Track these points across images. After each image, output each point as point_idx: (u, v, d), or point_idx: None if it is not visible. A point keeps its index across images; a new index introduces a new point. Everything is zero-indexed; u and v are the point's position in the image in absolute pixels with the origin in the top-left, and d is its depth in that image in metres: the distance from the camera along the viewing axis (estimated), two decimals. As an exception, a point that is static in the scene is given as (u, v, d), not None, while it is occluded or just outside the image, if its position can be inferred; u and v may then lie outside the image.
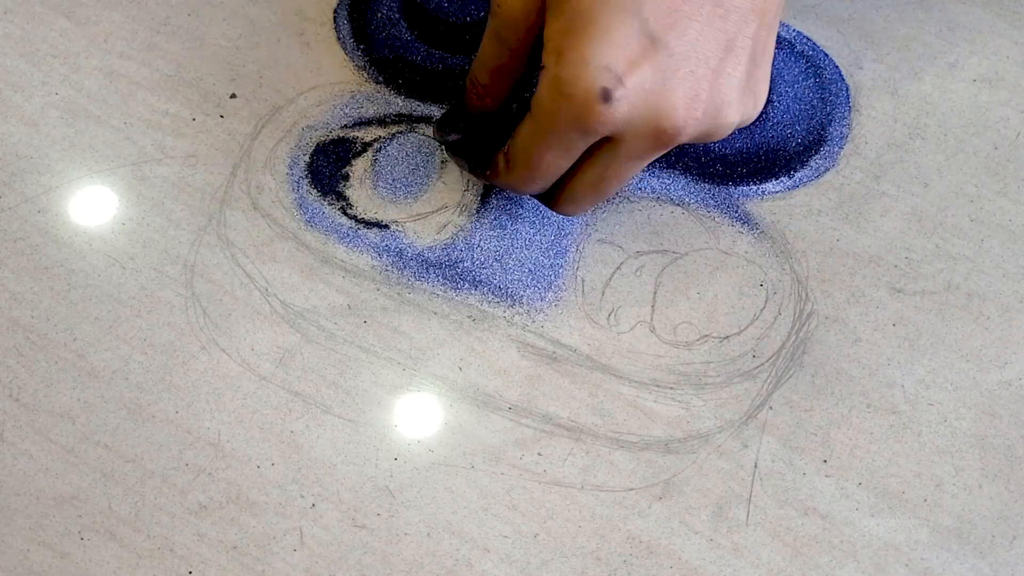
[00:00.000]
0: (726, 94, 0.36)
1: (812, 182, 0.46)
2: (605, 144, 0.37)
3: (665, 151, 0.37)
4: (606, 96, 0.34)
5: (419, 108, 0.46)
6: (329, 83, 0.47)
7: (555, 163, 0.38)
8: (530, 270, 0.43)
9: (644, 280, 0.43)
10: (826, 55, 0.48)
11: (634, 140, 0.36)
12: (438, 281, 0.43)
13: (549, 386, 0.41)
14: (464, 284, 0.43)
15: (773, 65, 0.48)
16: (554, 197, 0.41)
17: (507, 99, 0.40)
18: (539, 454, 0.40)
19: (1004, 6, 0.50)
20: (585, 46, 0.34)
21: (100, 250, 0.43)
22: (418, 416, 0.41)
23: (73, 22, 0.48)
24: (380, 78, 0.47)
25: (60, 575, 0.38)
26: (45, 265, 0.43)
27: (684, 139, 0.36)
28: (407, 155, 0.45)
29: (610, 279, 0.43)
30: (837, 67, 0.48)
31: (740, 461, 0.40)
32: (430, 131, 0.45)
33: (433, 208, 0.44)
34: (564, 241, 0.44)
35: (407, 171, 0.45)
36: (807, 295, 0.43)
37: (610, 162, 0.37)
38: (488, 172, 0.41)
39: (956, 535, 0.39)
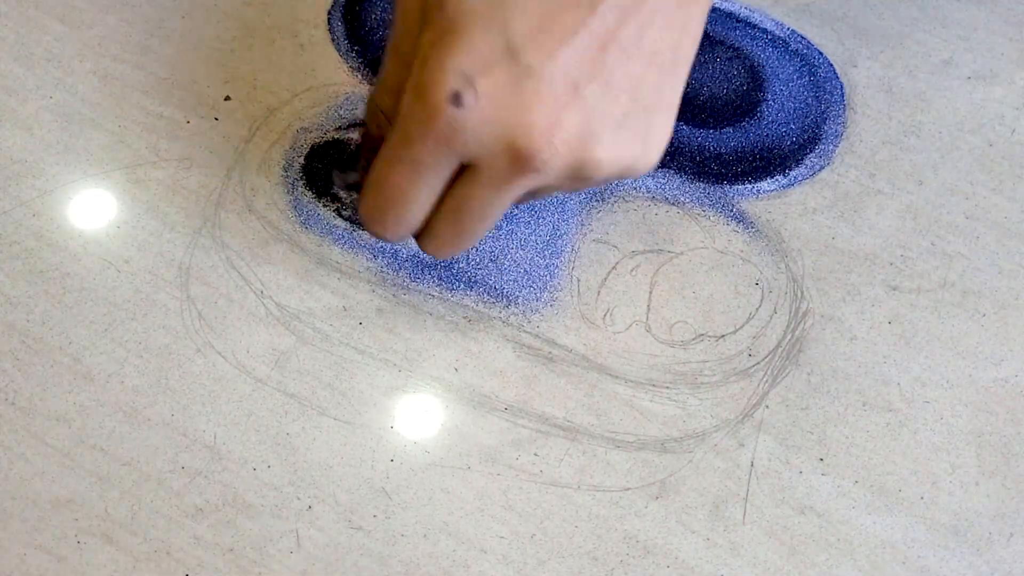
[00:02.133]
0: (595, 129, 0.34)
1: (807, 180, 0.46)
2: (463, 174, 0.35)
3: (525, 182, 0.35)
4: (456, 99, 0.33)
5: (413, 109, 0.46)
6: (323, 85, 0.47)
7: (405, 184, 0.35)
8: (525, 270, 0.43)
9: (640, 280, 0.43)
10: (820, 53, 0.48)
11: (489, 160, 0.34)
12: (433, 282, 0.43)
13: (545, 386, 0.41)
14: (459, 285, 0.43)
15: (768, 64, 0.48)
16: (419, 233, 0.38)
17: None
18: (535, 454, 0.40)
19: (998, 3, 0.50)
20: (445, 53, 0.33)
21: (95, 253, 0.43)
22: (414, 417, 0.41)
23: (67, 25, 0.48)
24: (374, 80, 0.47)
25: (57, 579, 0.38)
26: (40, 269, 0.43)
27: (544, 166, 0.34)
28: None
29: (605, 279, 0.43)
30: (831, 65, 0.48)
31: (736, 460, 0.40)
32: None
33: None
34: (559, 241, 0.44)
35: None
36: (803, 293, 0.43)
37: (468, 190, 0.35)
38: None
39: (953, 532, 0.39)
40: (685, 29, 0.35)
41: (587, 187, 0.37)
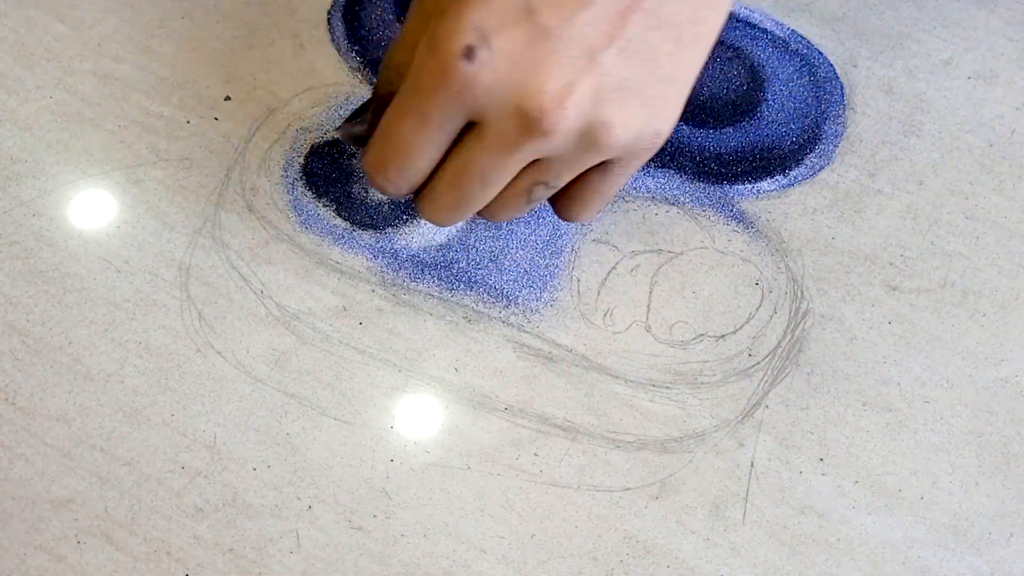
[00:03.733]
0: (609, 96, 0.34)
1: (807, 180, 0.46)
2: (469, 132, 0.35)
3: (532, 147, 0.34)
4: (469, 53, 0.32)
5: (413, 109, 0.46)
6: (323, 85, 0.47)
7: (411, 135, 0.35)
8: (525, 270, 0.43)
9: (639, 280, 0.43)
10: (820, 53, 0.48)
11: (496, 121, 0.34)
12: (433, 282, 0.43)
13: (545, 386, 0.41)
14: (459, 285, 0.43)
15: (768, 64, 0.48)
16: (418, 194, 0.38)
17: None
18: (535, 454, 0.40)
19: (998, 3, 0.50)
20: (464, 7, 0.33)
21: (95, 253, 0.43)
22: (414, 417, 0.41)
23: (67, 26, 0.48)
24: (374, 80, 0.47)
25: (57, 579, 0.38)
26: (40, 269, 0.43)
27: (552, 130, 0.33)
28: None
29: (605, 279, 0.43)
30: (831, 65, 0.48)
31: (736, 460, 0.40)
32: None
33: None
34: (559, 241, 0.44)
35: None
36: (803, 293, 0.43)
37: (473, 149, 0.35)
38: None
39: (953, 532, 0.39)
40: (709, 4, 0.35)
41: (597, 161, 0.36)
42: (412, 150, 0.35)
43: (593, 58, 0.33)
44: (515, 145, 0.34)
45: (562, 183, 0.37)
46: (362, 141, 0.39)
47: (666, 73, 0.35)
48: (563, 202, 0.39)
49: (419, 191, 0.38)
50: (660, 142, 0.36)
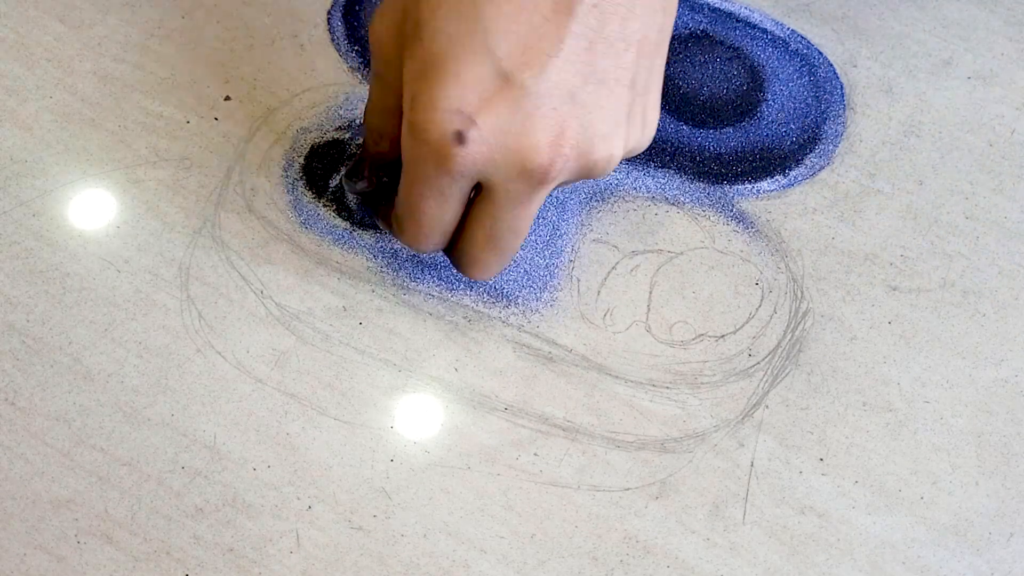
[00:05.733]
0: (599, 128, 0.35)
1: (807, 180, 0.46)
2: (482, 194, 0.36)
3: (545, 190, 0.36)
4: (460, 139, 0.33)
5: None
6: (323, 85, 0.47)
7: (436, 213, 0.37)
8: (525, 270, 0.43)
9: (639, 280, 0.43)
10: (820, 53, 0.48)
11: (505, 183, 0.35)
12: (433, 282, 0.43)
13: (545, 386, 0.41)
14: (459, 285, 0.43)
15: (768, 64, 0.48)
16: (456, 258, 0.40)
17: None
18: (535, 454, 0.40)
19: (998, 3, 0.50)
20: (436, 89, 0.33)
21: (95, 253, 0.43)
22: (414, 417, 0.41)
23: (67, 26, 0.48)
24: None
25: (57, 579, 0.38)
26: (40, 269, 0.43)
27: (559, 177, 0.35)
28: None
29: (605, 279, 0.43)
30: (831, 65, 0.48)
31: (736, 460, 0.40)
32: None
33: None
34: (559, 241, 0.44)
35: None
36: (802, 293, 0.43)
37: (493, 211, 0.36)
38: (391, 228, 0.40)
39: (953, 532, 0.39)
40: (666, 10, 0.36)
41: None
42: (438, 221, 0.37)
43: (575, 100, 0.34)
44: (529, 197, 0.36)
45: None
46: (366, 195, 0.41)
47: (645, 85, 0.36)
48: None
49: (452, 246, 0.40)
50: (647, 144, 0.38)
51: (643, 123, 0.37)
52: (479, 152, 0.34)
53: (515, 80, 0.33)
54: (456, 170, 0.34)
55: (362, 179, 0.41)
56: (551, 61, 0.33)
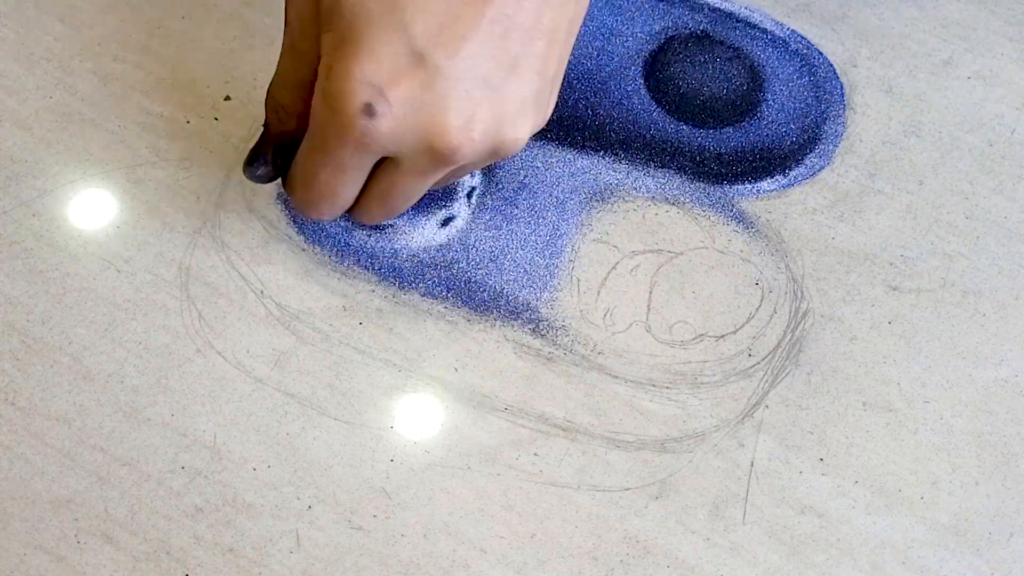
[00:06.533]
0: (509, 114, 0.35)
1: (807, 180, 0.46)
2: (387, 160, 0.37)
3: (448, 169, 0.36)
4: (369, 111, 0.34)
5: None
6: (323, 85, 0.47)
7: (332, 182, 0.37)
8: (525, 270, 0.43)
9: (639, 279, 0.43)
10: (820, 53, 0.48)
11: (410, 157, 0.36)
12: (433, 282, 0.43)
13: (545, 386, 0.41)
14: (460, 285, 0.43)
15: (768, 64, 0.48)
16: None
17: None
18: (535, 454, 0.40)
19: (998, 3, 0.50)
20: (351, 61, 0.34)
21: (95, 253, 0.43)
22: (414, 417, 0.41)
23: (67, 26, 0.48)
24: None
25: (57, 579, 0.38)
26: (40, 269, 0.43)
27: (465, 160, 0.35)
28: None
29: (605, 279, 0.43)
30: (831, 65, 0.48)
31: (736, 460, 0.40)
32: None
33: (428, 209, 0.44)
34: (559, 241, 0.44)
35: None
36: (802, 293, 0.43)
37: (394, 177, 0.37)
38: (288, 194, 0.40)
39: (953, 532, 0.39)
40: (578, 0, 0.36)
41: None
42: (335, 192, 0.38)
43: (488, 84, 0.35)
44: (432, 173, 0.37)
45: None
46: (266, 178, 0.40)
47: (554, 73, 0.37)
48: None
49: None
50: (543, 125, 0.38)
51: (547, 107, 0.37)
52: (387, 126, 0.34)
53: (429, 59, 0.34)
54: (362, 142, 0.35)
55: (264, 163, 0.40)
56: (465, 44, 0.34)
